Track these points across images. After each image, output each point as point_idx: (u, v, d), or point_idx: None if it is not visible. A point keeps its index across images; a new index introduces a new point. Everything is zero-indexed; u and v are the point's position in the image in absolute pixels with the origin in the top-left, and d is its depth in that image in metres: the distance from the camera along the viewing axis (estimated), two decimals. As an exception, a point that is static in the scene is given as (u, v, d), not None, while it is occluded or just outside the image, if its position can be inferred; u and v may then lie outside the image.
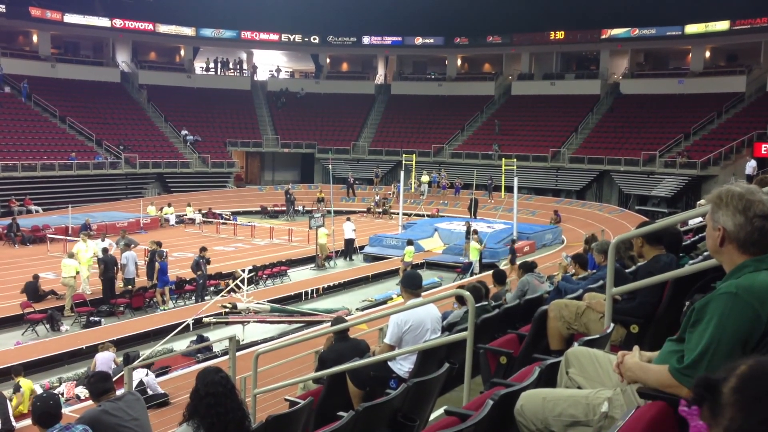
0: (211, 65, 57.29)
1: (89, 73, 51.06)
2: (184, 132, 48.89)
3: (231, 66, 58.07)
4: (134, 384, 10.46)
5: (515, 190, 29.66)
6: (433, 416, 4.89)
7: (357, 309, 18.30)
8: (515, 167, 38.47)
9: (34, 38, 50.85)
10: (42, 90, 46.47)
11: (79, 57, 52.65)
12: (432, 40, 55.72)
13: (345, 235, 26.88)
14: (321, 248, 25.29)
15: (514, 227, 27.98)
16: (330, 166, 46.29)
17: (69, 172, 40.59)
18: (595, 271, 7.69)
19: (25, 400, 10.94)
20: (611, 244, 4.48)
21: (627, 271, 5.88)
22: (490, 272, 10.98)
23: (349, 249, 26.92)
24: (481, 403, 3.28)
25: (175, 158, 46.70)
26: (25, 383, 11.47)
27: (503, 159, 41.12)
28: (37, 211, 35.82)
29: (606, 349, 3.71)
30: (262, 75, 58.66)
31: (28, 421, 10.21)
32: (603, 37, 49.14)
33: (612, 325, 4.14)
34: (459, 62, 56.80)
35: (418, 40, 55.89)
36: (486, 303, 7.36)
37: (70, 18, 50.61)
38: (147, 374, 11.61)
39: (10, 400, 10.77)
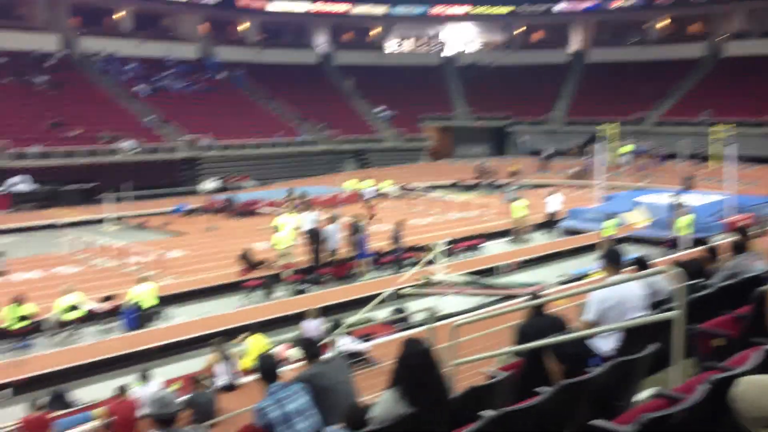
0: (403, 42, 58.33)
1: (291, 56, 54.16)
2: (378, 108, 50.38)
3: (422, 42, 58.71)
4: (339, 350, 11.12)
5: (730, 158, 27.25)
6: (637, 398, 4.73)
7: (554, 284, 17.96)
8: (729, 134, 35.37)
9: (243, 26, 54.78)
10: (251, 75, 50.13)
11: (281, 42, 55.95)
12: (630, 3, 52.58)
13: (548, 208, 26.43)
14: (518, 221, 25.03)
15: (727, 199, 25.80)
16: (523, 138, 45.50)
17: (276, 150, 43.59)
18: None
19: (250, 358, 11.99)
20: None
21: None
22: (702, 248, 10.28)
23: (550, 222, 26.42)
24: (692, 387, 3.14)
25: (370, 134, 48.37)
26: (253, 341, 12.59)
27: (713, 126, 38.00)
28: (249, 187, 38.82)
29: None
30: (452, 49, 58.75)
31: (250, 378, 11.26)
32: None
33: None
34: (660, 24, 53.10)
35: (614, 4, 53.01)
36: (699, 280, 6.92)
37: (273, 6, 53.94)
38: (350, 341, 12.28)
39: (237, 358, 11.90)
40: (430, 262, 19.06)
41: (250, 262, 19.92)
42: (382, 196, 35.28)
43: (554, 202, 26.54)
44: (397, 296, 17.28)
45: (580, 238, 24.38)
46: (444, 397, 4.59)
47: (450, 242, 21.33)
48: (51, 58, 44.81)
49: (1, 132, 35.69)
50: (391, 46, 58.72)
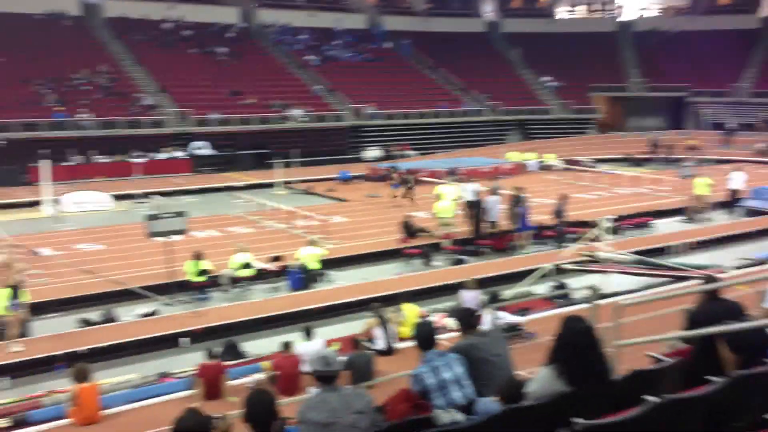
0: (575, 8, 56.04)
1: (457, 25, 53.73)
2: (545, 78, 48.90)
3: (595, 7, 56.13)
4: (497, 322, 11.01)
5: None
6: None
7: (733, 267, 16.68)
8: None
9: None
10: (416, 44, 50.34)
11: (448, 10, 55.60)
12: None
13: (730, 186, 24.61)
14: (698, 199, 23.44)
15: None
16: (705, 110, 42.40)
17: (439, 120, 43.64)
18: None
19: (407, 324, 12.20)
20: None
21: None
22: None
23: (732, 201, 24.56)
24: None
25: (535, 105, 47.13)
26: (408, 309, 12.81)
27: None
28: (412, 156, 39.24)
29: None
30: (628, 14, 55.64)
31: (406, 344, 11.46)
32: None
33: None
34: None
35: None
36: None
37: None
38: (507, 314, 12.12)
39: (395, 324, 12.14)
40: (595, 239, 18.34)
41: (410, 230, 20.17)
42: (546, 168, 34.38)
43: (737, 180, 24.61)
44: (557, 271, 16.82)
45: (763, 219, 22.45)
46: (605, 378, 4.39)
47: (617, 219, 20.40)
48: (231, 30, 47.53)
49: (186, 99, 38.47)
50: (562, 12, 56.61)
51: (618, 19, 55.20)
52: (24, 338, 12.91)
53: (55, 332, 13.62)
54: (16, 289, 12.81)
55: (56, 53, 39.02)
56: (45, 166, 26.21)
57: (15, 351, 12.32)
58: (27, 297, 13.17)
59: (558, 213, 20.50)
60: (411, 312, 12.73)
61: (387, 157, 37.95)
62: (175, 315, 14.76)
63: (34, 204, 26.40)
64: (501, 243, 19.84)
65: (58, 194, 26.16)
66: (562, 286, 15.36)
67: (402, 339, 11.90)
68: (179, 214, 16.38)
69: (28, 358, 12.23)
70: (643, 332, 8.16)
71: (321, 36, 49.71)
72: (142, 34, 43.66)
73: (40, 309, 14.56)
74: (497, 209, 20.37)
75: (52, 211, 24.94)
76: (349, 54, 48.91)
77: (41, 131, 33.28)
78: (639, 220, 22.09)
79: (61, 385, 10.97)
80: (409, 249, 19.04)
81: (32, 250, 19.55)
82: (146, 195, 28.07)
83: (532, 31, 53.06)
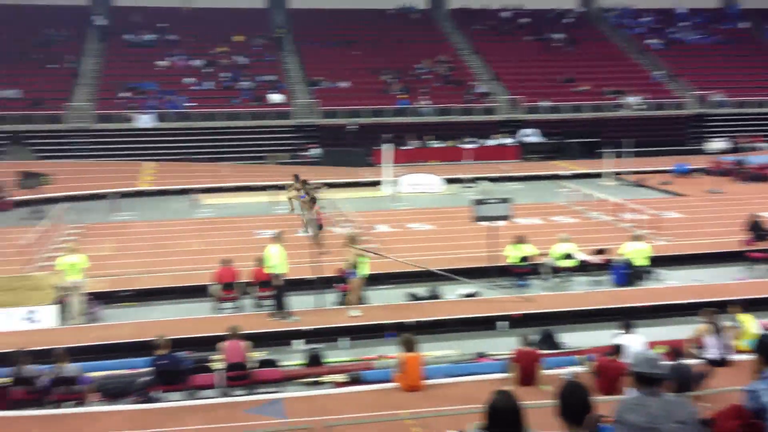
0: None
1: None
2: None
3: None
4: None
5: None
6: None
7: None
8: None
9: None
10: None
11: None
12: None
13: None
14: None
15: None
16: None
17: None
18: None
19: (744, 335, 10.94)
20: None
21: None
22: None
23: None
24: None
25: None
26: (744, 318, 11.48)
27: None
28: (764, 149, 35.01)
29: None
30: None
31: (742, 357, 10.26)
32: None
33: None
34: None
35: None
36: None
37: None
38: None
39: (730, 333, 10.95)
40: None
41: (757, 232, 18.01)
42: None
43: None
44: None
45: None
46: None
47: None
48: (569, 15, 46.88)
49: (518, 87, 38.97)
50: None
51: None
52: (362, 305, 14.25)
53: (387, 303, 14.83)
54: (356, 260, 14.13)
55: (403, 45, 42.29)
56: (387, 150, 28.59)
57: (354, 315, 13.68)
58: (366, 269, 14.45)
59: None
60: (748, 322, 11.36)
61: (734, 150, 34.32)
62: (494, 298, 15.09)
63: (376, 184, 28.98)
64: None
65: (396, 175, 28.37)
66: None
67: (738, 351, 10.68)
68: (504, 200, 16.66)
69: (364, 323, 13.50)
70: None
71: (665, 18, 46.56)
72: (481, 24, 45.21)
73: (375, 280, 15.94)
74: None
75: (390, 191, 27.14)
76: (696, 36, 45.12)
77: (386, 117, 36.36)
78: None
79: (390, 352, 11.90)
80: (755, 252, 17.02)
81: (371, 226, 21.51)
82: (474, 180, 29.09)
83: None
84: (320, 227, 19.08)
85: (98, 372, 11.13)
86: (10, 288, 15.44)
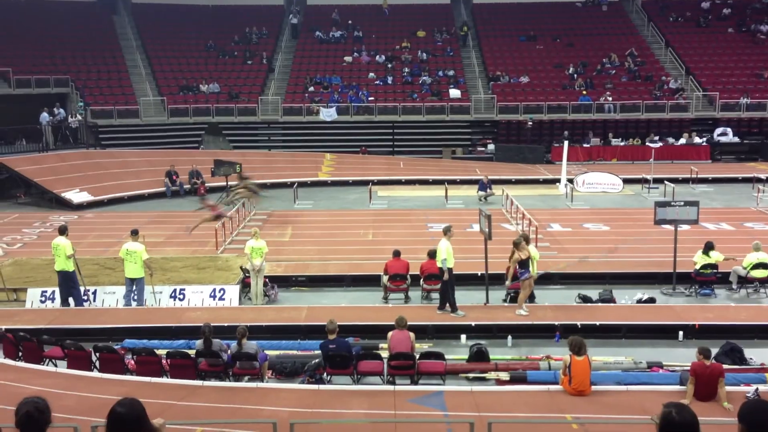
0: None
1: None
2: None
3: None
4: None
5: None
6: None
7: None
8: None
9: None
10: None
11: None
12: None
13: None
14: None
15: None
16: None
17: None
18: None
19: None
20: None
21: None
22: None
23: None
24: None
25: None
26: None
27: None
28: None
29: None
30: None
31: None
32: None
33: None
34: None
35: None
36: None
37: None
38: None
39: None
40: None
41: None
42: None
43: None
44: None
45: None
46: None
47: None
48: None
49: (714, 83, 36.21)
50: None
51: None
52: (531, 304, 13.96)
53: (557, 303, 14.41)
54: (528, 259, 13.80)
55: (590, 39, 40.77)
56: (565, 147, 27.75)
57: (521, 314, 13.44)
58: (536, 268, 14.09)
59: None
60: None
61: None
62: (674, 306, 14.20)
63: (553, 182, 28.23)
64: None
65: (574, 174, 27.45)
66: None
67: None
68: (691, 204, 15.58)
69: (530, 323, 13.23)
70: None
71: None
72: (677, 15, 42.44)
73: (546, 280, 15.56)
74: None
75: (565, 190, 26.31)
76: None
77: (566, 113, 35.26)
78: None
79: (556, 353, 11.58)
80: None
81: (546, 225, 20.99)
82: (657, 180, 27.48)
83: None
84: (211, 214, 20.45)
85: (273, 351, 11.84)
86: (201, 267, 16.85)
